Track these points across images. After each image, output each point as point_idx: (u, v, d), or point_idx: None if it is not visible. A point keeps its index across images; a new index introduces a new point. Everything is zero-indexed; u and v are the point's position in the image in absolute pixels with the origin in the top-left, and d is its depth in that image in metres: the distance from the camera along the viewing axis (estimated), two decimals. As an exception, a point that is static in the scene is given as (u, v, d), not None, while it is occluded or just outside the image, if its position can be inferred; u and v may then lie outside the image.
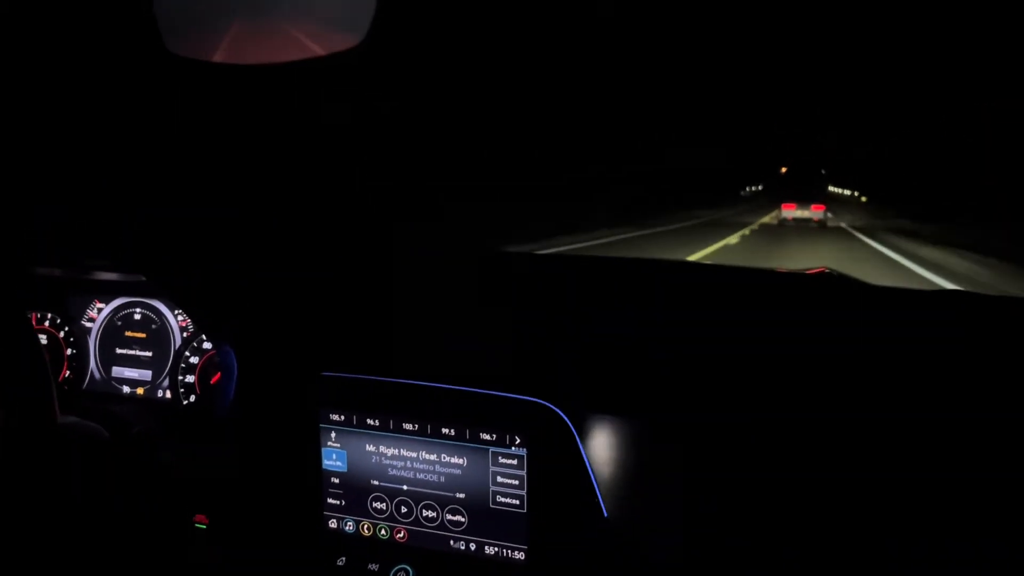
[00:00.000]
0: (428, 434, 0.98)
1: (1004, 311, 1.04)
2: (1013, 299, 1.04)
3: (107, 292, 1.38)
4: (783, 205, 28.27)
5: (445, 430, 0.97)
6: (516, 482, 0.94)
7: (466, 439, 0.96)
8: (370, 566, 1.01)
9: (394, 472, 1.00)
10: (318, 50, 0.71)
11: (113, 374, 1.37)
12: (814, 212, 26.72)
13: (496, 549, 0.96)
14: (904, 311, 1.03)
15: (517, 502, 0.95)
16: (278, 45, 0.72)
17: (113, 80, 1.03)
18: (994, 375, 0.88)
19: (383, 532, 1.02)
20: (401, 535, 1.01)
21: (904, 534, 0.85)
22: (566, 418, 0.92)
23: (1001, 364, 0.88)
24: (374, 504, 1.01)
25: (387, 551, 1.01)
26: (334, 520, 1.04)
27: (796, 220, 26.84)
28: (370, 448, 1.01)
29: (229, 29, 0.71)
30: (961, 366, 0.89)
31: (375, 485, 1.01)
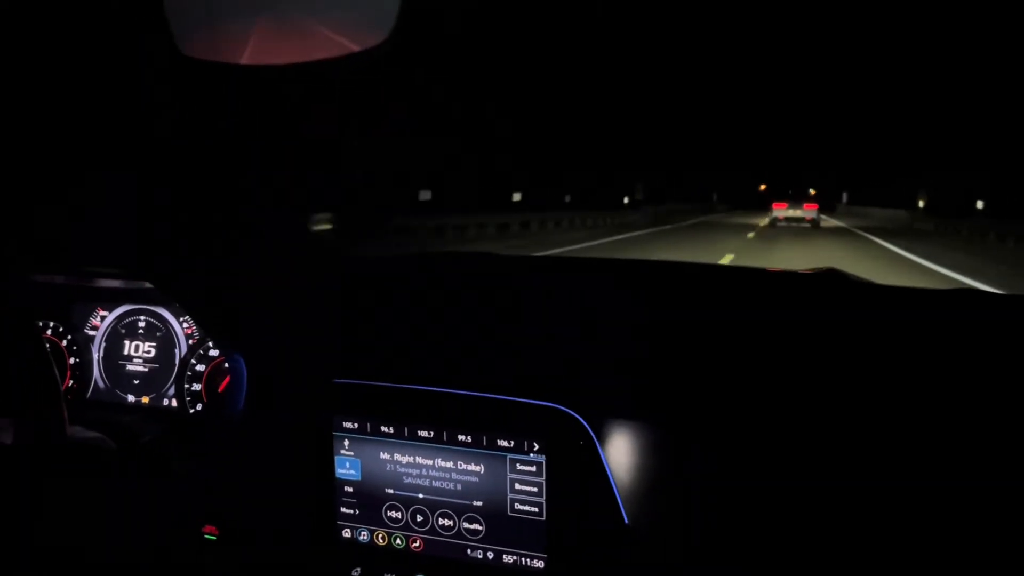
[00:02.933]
0: (444, 441, 0.96)
1: (1014, 309, 1.03)
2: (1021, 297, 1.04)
3: (110, 300, 1.36)
4: (774, 204, 28.27)
5: (461, 437, 0.95)
6: (535, 489, 0.93)
7: (483, 446, 0.94)
8: None
9: (409, 480, 0.98)
10: (351, 46, 0.69)
11: (117, 383, 1.35)
12: (807, 211, 26.74)
13: (515, 557, 0.95)
14: (914, 309, 1.02)
15: (536, 510, 0.93)
16: (304, 43, 0.70)
17: (118, 81, 1.01)
18: (1003, 373, 0.87)
19: (398, 541, 1.00)
20: (417, 544, 0.99)
21: (929, 543, 0.84)
22: (586, 424, 0.91)
23: (1010, 362, 0.88)
24: (389, 513, 1.00)
25: (403, 561, 0.99)
26: (348, 530, 1.02)
27: (788, 220, 26.84)
28: (384, 456, 0.99)
29: (251, 29, 0.69)
30: (972, 364, 0.88)
31: (390, 494, 0.99)
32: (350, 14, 0.68)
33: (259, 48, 0.71)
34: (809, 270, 1.28)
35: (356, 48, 0.69)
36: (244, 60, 0.73)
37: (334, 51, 0.70)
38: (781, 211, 27.58)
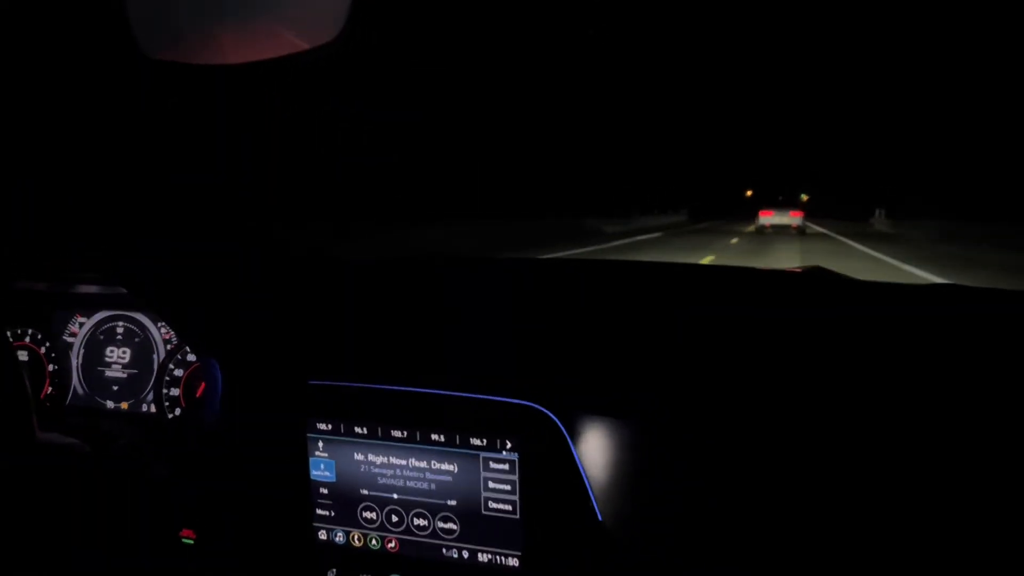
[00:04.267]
0: (417, 441, 0.96)
1: (995, 303, 1.04)
2: (1003, 291, 1.04)
3: (89, 306, 1.36)
4: (761, 212, 28.55)
5: (435, 436, 0.95)
6: (508, 487, 0.93)
7: (456, 445, 0.94)
8: None
9: (384, 481, 0.98)
10: (301, 44, 0.69)
11: (96, 389, 1.34)
12: (793, 218, 27.03)
13: (489, 556, 0.95)
14: (895, 305, 1.03)
15: (510, 508, 0.93)
16: (260, 42, 0.70)
17: (88, 86, 1.01)
18: (987, 366, 0.87)
19: (374, 542, 1.00)
20: (392, 545, 0.99)
21: (901, 536, 0.84)
22: (558, 421, 0.91)
23: (994, 355, 0.88)
24: (364, 514, 1.00)
25: (379, 561, 0.99)
26: (324, 531, 1.02)
27: (774, 227, 27.12)
28: (359, 457, 0.99)
29: (210, 29, 0.69)
30: (954, 358, 0.88)
31: (364, 494, 0.99)
32: (302, 12, 0.69)
33: (212, 47, 0.71)
34: (796, 268, 1.29)
35: (306, 46, 0.70)
36: (200, 60, 0.74)
37: (285, 49, 0.70)
38: (768, 219, 27.95)
